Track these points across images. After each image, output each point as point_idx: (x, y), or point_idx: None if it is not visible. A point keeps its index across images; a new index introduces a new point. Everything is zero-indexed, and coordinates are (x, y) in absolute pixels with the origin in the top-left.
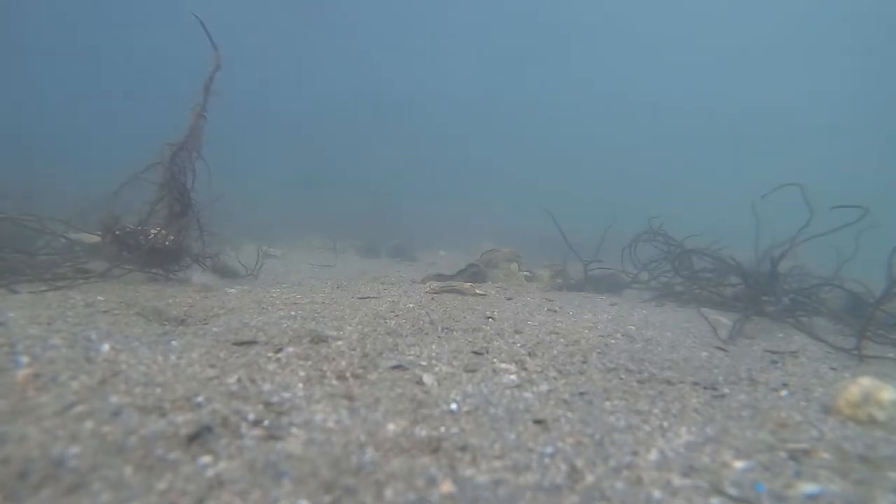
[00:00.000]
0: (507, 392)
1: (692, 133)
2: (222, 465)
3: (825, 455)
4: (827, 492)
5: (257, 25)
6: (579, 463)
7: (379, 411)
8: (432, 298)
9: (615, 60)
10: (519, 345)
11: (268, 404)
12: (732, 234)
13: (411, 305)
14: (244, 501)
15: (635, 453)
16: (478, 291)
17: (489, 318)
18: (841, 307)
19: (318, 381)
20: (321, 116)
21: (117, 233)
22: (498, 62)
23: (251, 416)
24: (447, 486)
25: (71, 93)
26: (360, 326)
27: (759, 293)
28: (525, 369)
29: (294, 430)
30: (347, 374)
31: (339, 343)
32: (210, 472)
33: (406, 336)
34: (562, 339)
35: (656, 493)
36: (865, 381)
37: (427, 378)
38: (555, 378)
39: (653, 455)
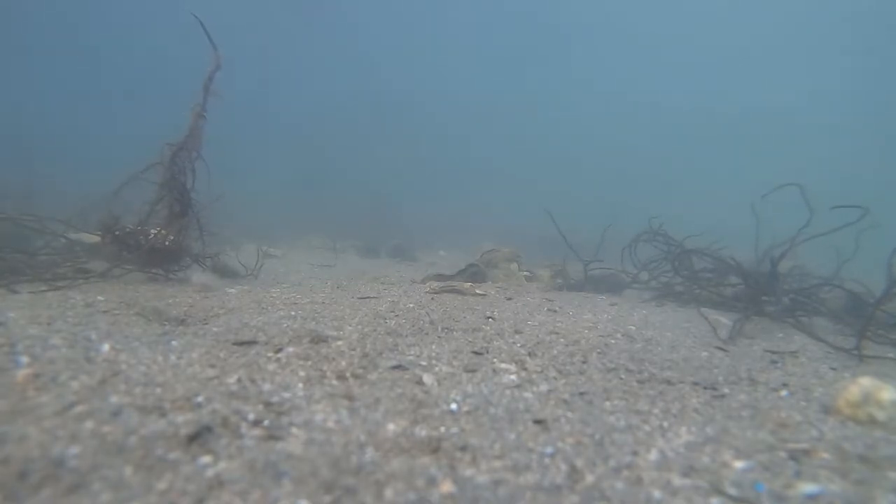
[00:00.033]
0: (507, 392)
1: (692, 133)
2: (222, 465)
3: (825, 455)
4: (827, 492)
5: (257, 25)
6: (579, 463)
7: (379, 411)
8: (432, 298)
9: (615, 60)
10: (519, 345)
11: (268, 404)
12: (732, 234)
13: (411, 305)
14: (244, 501)
15: (635, 453)
16: (478, 291)
17: (489, 318)
18: (841, 307)
19: (318, 381)
20: (321, 116)
21: (117, 233)
22: (498, 62)
23: (251, 416)
24: (447, 486)
25: (71, 93)
26: (360, 326)
27: (759, 293)
28: (525, 369)
29: (294, 430)
30: (347, 374)
31: (339, 343)
32: (210, 472)
33: (406, 336)
34: (562, 339)
35: (656, 493)
36: (865, 381)
37: (427, 378)
38: (555, 378)
39: (653, 455)
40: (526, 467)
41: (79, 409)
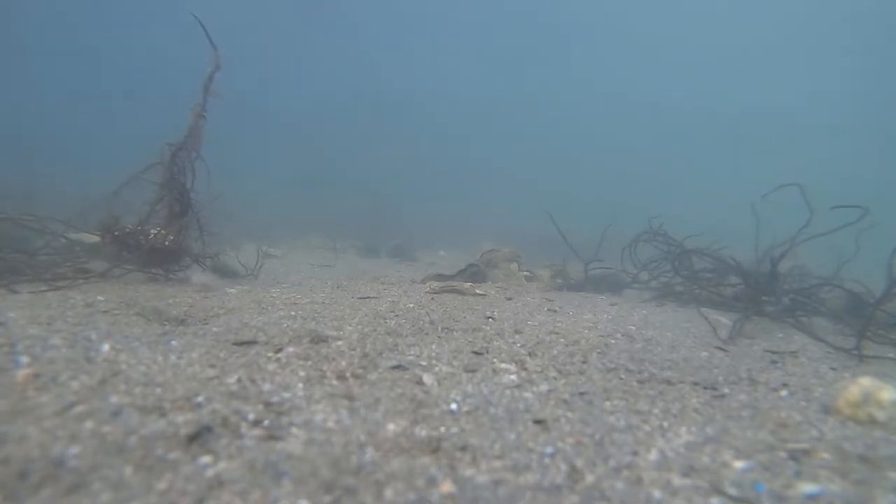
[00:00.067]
0: (507, 392)
1: (692, 133)
2: (222, 465)
3: (825, 455)
4: (827, 492)
5: (257, 25)
6: (579, 463)
7: (379, 411)
8: (432, 298)
9: (615, 60)
10: (519, 345)
11: (268, 404)
12: (732, 234)
13: (411, 305)
14: (244, 501)
15: (635, 453)
16: (478, 291)
17: (489, 318)
18: (841, 307)
19: (318, 381)
20: (321, 116)
21: (116, 233)
22: (498, 62)
23: (251, 416)
24: (447, 486)
25: (71, 93)
26: (360, 326)
27: (759, 293)
28: (525, 369)
29: (294, 430)
30: (347, 374)
31: (339, 343)
32: (210, 472)
33: (406, 336)
34: (562, 339)
35: (656, 493)
36: (865, 381)
37: (427, 378)
38: (555, 378)
39: (653, 455)
40: (526, 467)
41: (79, 409)
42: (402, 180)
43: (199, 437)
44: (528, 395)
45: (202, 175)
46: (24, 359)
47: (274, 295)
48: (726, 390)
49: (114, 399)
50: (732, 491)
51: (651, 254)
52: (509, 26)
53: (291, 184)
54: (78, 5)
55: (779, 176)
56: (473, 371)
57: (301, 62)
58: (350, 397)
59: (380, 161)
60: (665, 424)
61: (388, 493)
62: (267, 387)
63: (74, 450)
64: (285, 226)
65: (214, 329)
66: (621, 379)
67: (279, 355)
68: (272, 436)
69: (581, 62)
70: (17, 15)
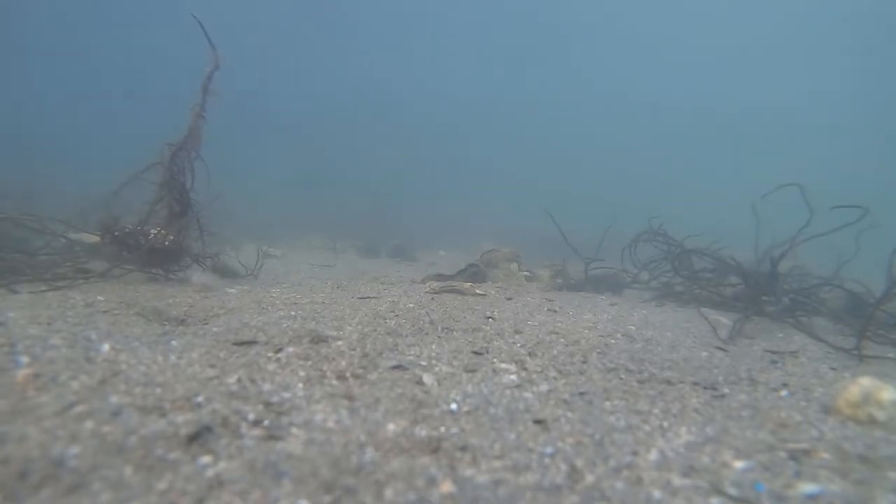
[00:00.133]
0: (507, 392)
1: (692, 133)
2: (222, 465)
3: (825, 455)
4: (827, 492)
5: (257, 25)
6: (579, 463)
7: (379, 411)
8: (432, 298)
9: (615, 60)
10: (519, 345)
11: (268, 404)
12: (732, 234)
13: (411, 305)
14: (244, 501)
15: (635, 453)
16: (478, 291)
17: (489, 318)
18: (841, 307)
19: (318, 381)
20: (321, 116)
21: (116, 233)
22: (498, 62)
23: (251, 416)
24: (447, 486)
25: (71, 93)
26: (360, 326)
27: (759, 293)
28: (525, 369)
29: (294, 430)
30: (347, 374)
31: (339, 343)
32: (210, 472)
33: (406, 336)
34: (562, 339)
35: (656, 493)
36: (865, 381)
37: (427, 378)
38: (555, 378)
39: (653, 455)
40: (526, 467)
41: (79, 409)
42: (402, 180)
43: (199, 437)
44: (528, 395)
45: (202, 175)
46: (24, 359)
47: (274, 295)
48: (726, 390)
49: (114, 399)
50: (732, 491)
51: (651, 254)
52: (509, 26)
53: (291, 184)
54: (78, 5)
55: (779, 176)
56: (473, 371)
57: (301, 62)
58: (350, 397)
59: (380, 161)
60: (665, 424)
61: (388, 493)
62: (267, 387)
63: (74, 450)
64: (285, 226)
65: (214, 329)
66: (621, 379)
67: (279, 355)
68: (272, 436)
69: (581, 62)
70: (17, 15)
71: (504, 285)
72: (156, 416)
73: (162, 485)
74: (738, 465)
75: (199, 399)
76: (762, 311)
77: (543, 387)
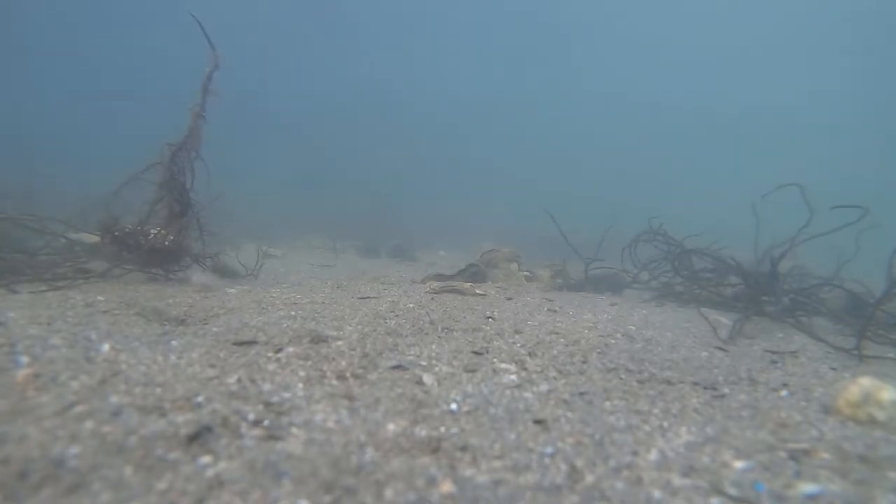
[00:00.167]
0: (507, 392)
1: (692, 133)
2: (222, 465)
3: (825, 455)
4: (827, 492)
5: (257, 25)
6: (579, 463)
7: (379, 411)
8: (432, 298)
9: (615, 60)
10: (519, 345)
11: (268, 404)
12: (732, 234)
13: (411, 305)
14: (244, 501)
15: (635, 453)
16: (478, 291)
17: (489, 318)
18: (841, 307)
19: (318, 381)
20: (321, 116)
21: (116, 233)
22: (498, 62)
23: (251, 416)
24: (447, 486)
25: (71, 93)
26: (360, 326)
27: (759, 293)
28: (525, 369)
29: (294, 430)
30: (347, 374)
31: (339, 343)
32: (210, 472)
33: (406, 336)
34: (562, 339)
35: (656, 493)
36: (865, 381)
37: (427, 378)
38: (555, 378)
39: (653, 455)
40: (526, 467)
41: (79, 409)
42: (402, 180)
43: (199, 437)
44: (528, 395)
45: (202, 175)
46: (24, 359)
47: (274, 295)
48: (726, 390)
49: (114, 399)
50: (732, 491)
51: (651, 254)
52: (509, 26)
53: (291, 184)
54: (78, 5)
55: (779, 176)
56: (473, 371)
57: (301, 62)
58: (350, 397)
59: (380, 161)
60: (665, 424)
61: (388, 493)
62: (267, 387)
63: (74, 450)
64: (285, 226)
65: (214, 329)
66: (621, 379)
67: (279, 355)
68: (272, 436)
69: (581, 62)
70: (17, 15)
71: (504, 285)
72: (156, 416)
73: (162, 485)
74: (738, 465)
75: (199, 399)
76: (762, 311)
77: (543, 387)
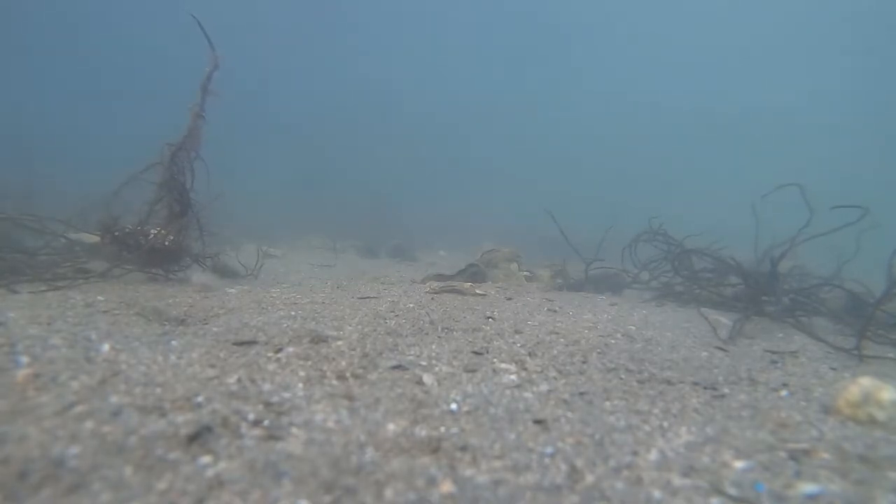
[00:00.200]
0: (507, 392)
1: (692, 133)
2: (222, 465)
3: (825, 455)
4: (827, 492)
5: (257, 25)
6: (579, 463)
7: (379, 411)
8: (432, 298)
9: (615, 60)
10: (519, 345)
11: (268, 404)
12: (732, 234)
13: (411, 305)
14: (244, 501)
15: (635, 453)
16: (478, 291)
17: (489, 318)
18: (841, 307)
19: (318, 381)
20: (321, 116)
21: (116, 233)
22: (498, 62)
23: (251, 416)
24: (447, 486)
25: (71, 93)
26: (360, 326)
27: (759, 293)
28: (525, 369)
29: (294, 430)
30: (347, 374)
31: (339, 343)
32: (210, 472)
33: (406, 336)
34: (562, 339)
35: (656, 493)
36: (865, 381)
37: (427, 378)
38: (555, 378)
39: (653, 455)
40: (526, 467)
41: (79, 409)
42: (402, 180)
43: (199, 437)
44: (528, 395)
45: (202, 175)
46: (24, 359)
47: (274, 295)
48: (726, 390)
49: (114, 399)
50: (732, 491)
51: (651, 254)
52: (509, 26)
53: (291, 184)
54: (78, 5)
55: (779, 176)
56: (473, 371)
57: (301, 62)
58: (350, 397)
59: (380, 161)
60: (665, 424)
61: (388, 493)
62: (267, 387)
63: (74, 450)
64: (285, 226)
65: (214, 329)
66: (621, 379)
67: (279, 355)
68: (272, 436)
69: (581, 62)
70: (17, 15)
71: (504, 285)
72: (156, 416)
73: (162, 485)
74: (738, 465)
75: (199, 399)
76: (762, 311)
77: (543, 387)
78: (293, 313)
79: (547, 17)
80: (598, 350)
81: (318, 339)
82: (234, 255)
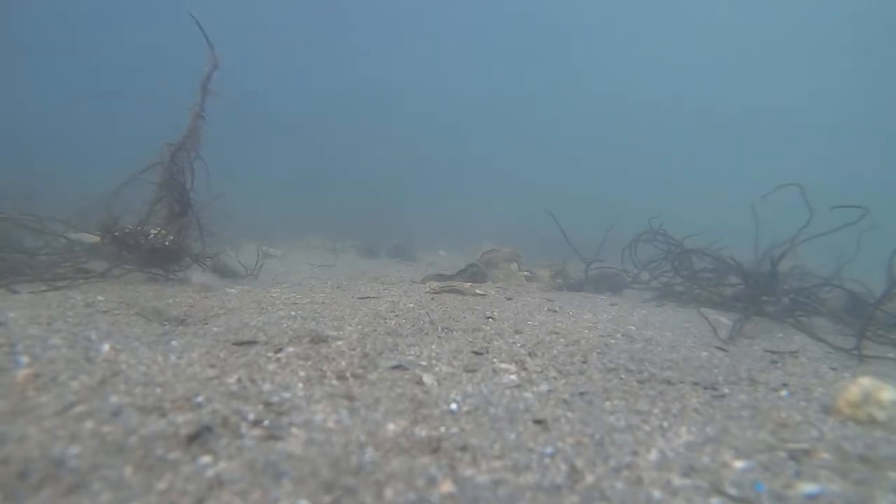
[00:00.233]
0: (507, 392)
1: (692, 133)
2: (222, 465)
3: (825, 455)
4: (827, 492)
5: (257, 25)
6: (579, 463)
7: (379, 411)
8: (432, 298)
9: (615, 60)
10: (519, 345)
11: (268, 404)
12: (732, 234)
13: (411, 305)
14: (244, 501)
15: (635, 453)
16: (478, 291)
17: (489, 318)
18: (841, 307)
19: (318, 381)
20: (321, 116)
21: (116, 234)
22: (498, 62)
23: (251, 416)
24: (447, 486)
25: (71, 93)
26: (360, 326)
27: (759, 293)
28: (525, 369)
29: (294, 430)
30: (347, 374)
31: (339, 343)
32: (210, 472)
33: (406, 336)
34: (562, 339)
35: (656, 493)
36: (865, 381)
37: (427, 378)
38: (555, 378)
39: (653, 455)
40: (526, 467)
41: (79, 409)
42: (402, 180)
43: (199, 437)
44: (528, 395)
45: (202, 175)
46: (24, 359)
47: (274, 295)
48: (726, 390)
49: (114, 399)
50: (732, 491)
51: (651, 254)
52: (509, 26)
53: (291, 184)
54: (78, 5)
55: (779, 176)
56: (473, 371)
57: (301, 62)
58: (350, 397)
59: (380, 161)
60: (665, 424)
61: (388, 493)
62: (267, 387)
63: (74, 450)
64: (285, 226)
65: (214, 329)
66: (621, 379)
67: (279, 355)
68: (272, 436)
69: (581, 62)
70: (17, 15)
71: (504, 285)
72: (156, 416)
73: (162, 485)
74: (738, 465)
75: (199, 399)
76: (762, 311)
77: (543, 387)
78: (293, 313)
79: (547, 17)
80: (598, 350)
81: (318, 339)
82: (234, 255)
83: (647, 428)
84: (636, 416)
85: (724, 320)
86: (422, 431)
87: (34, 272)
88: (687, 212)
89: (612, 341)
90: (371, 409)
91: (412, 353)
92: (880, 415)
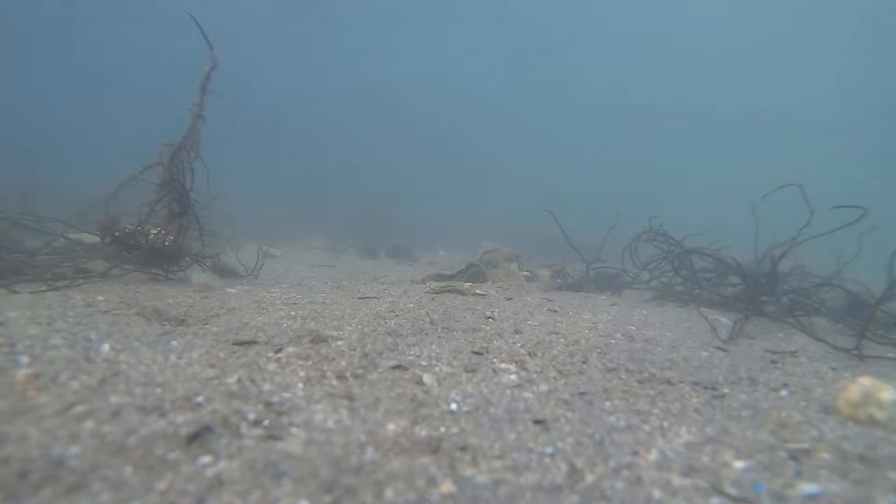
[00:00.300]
0: (507, 392)
1: (692, 133)
2: (222, 465)
3: (825, 455)
4: (827, 492)
5: (257, 25)
6: (579, 463)
7: (379, 411)
8: (432, 298)
9: (614, 60)
10: (519, 345)
11: (268, 404)
12: (732, 234)
13: (411, 305)
14: (244, 501)
15: (635, 453)
16: (478, 291)
17: (489, 318)
18: (841, 307)
19: (318, 381)
20: (321, 116)
21: (116, 234)
22: (498, 62)
23: (251, 416)
24: (447, 486)
25: (70, 93)
26: (360, 326)
27: (759, 293)
28: (525, 369)
29: (294, 430)
30: (347, 374)
31: (339, 343)
32: (210, 472)
33: (406, 336)
34: (562, 339)
35: (656, 493)
36: (865, 381)
37: (427, 378)
38: (555, 378)
39: (653, 455)
40: (526, 467)
41: (79, 409)
42: (402, 180)
43: (199, 437)
44: (528, 395)
45: (202, 175)
46: (24, 359)
47: (274, 295)
48: (726, 390)
49: (114, 399)
50: (732, 491)
51: (651, 254)
52: (509, 26)
53: (291, 184)
54: (77, 5)
55: (778, 176)
56: (473, 371)
57: (301, 62)
58: (350, 397)
59: (380, 161)
60: (665, 424)
61: (389, 493)
62: (267, 387)
63: (74, 450)
64: (285, 226)
65: (214, 329)
66: (621, 379)
67: (279, 355)
68: (272, 436)
69: (581, 62)
70: (17, 15)
71: (504, 285)
72: (156, 416)
73: (162, 485)
74: (738, 464)
75: (199, 399)
76: (762, 311)
77: (543, 387)
78: (293, 313)
79: (547, 18)
80: (599, 350)
81: (318, 339)
82: (234, 255)
83: (647, 428)
84: (636, 416)
85: (724, 320)
86: (422, 431)
87: (34, 272)
88: (687, 212)
89: (613, 341)
90: (371, 409)
91: (412, 353)
92: (880, 415)
